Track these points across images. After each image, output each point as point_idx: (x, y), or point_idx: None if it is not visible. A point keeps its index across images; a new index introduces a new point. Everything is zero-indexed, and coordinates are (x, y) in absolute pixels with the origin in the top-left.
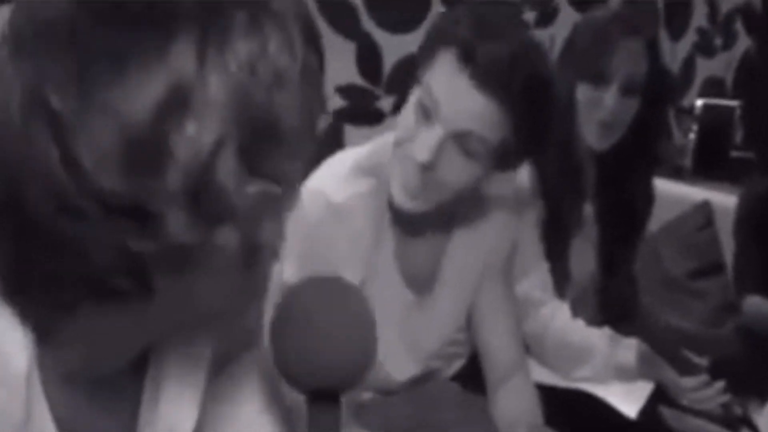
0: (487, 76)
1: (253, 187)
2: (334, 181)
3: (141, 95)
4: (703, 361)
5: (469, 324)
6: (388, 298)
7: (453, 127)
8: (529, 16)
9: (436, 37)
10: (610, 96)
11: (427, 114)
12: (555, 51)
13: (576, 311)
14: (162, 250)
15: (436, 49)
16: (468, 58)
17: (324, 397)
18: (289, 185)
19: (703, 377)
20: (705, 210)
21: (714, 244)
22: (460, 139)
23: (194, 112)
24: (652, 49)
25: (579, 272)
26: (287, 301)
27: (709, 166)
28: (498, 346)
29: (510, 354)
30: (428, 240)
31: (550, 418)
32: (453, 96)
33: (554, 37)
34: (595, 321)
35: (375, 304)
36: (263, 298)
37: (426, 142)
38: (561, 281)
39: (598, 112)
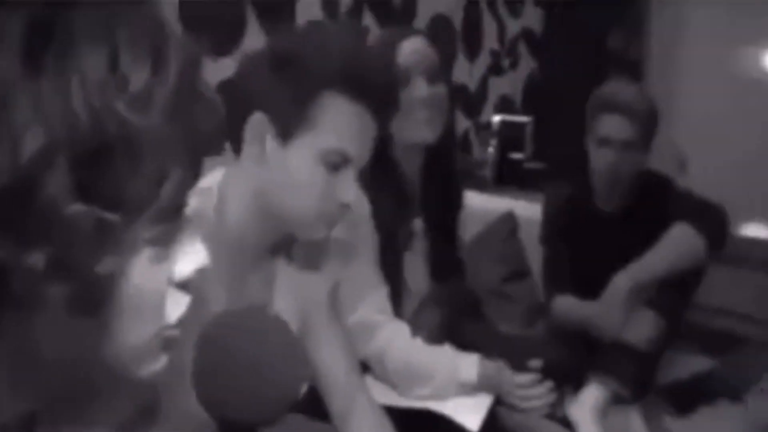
0: (378, 101)
1: (81, 211)
2: None
3: None
4: (537, 363)
5: None
6: None
7: (363, 160)
8: None
9: (312, 85)
10: (419, 87)
11: (337, 166)
12: None
13: (417, 323)
14: None
15: (315, 98)
16: (362, 92)
17: (239, 428)
18: (134, 215)
19: (536, 375)
20: (509, 219)
21: (519, 251)
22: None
23: (18, 115)
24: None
25: (414, 285)
26: (208, 333)
27: (508, 177)
28: (333, 375)
29: (348, 381)
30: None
31: None
32: (357, 134)
33: None
34: (437, 330)
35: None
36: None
37: (349, 185)
38: (398, 298)
39: (414, 107)
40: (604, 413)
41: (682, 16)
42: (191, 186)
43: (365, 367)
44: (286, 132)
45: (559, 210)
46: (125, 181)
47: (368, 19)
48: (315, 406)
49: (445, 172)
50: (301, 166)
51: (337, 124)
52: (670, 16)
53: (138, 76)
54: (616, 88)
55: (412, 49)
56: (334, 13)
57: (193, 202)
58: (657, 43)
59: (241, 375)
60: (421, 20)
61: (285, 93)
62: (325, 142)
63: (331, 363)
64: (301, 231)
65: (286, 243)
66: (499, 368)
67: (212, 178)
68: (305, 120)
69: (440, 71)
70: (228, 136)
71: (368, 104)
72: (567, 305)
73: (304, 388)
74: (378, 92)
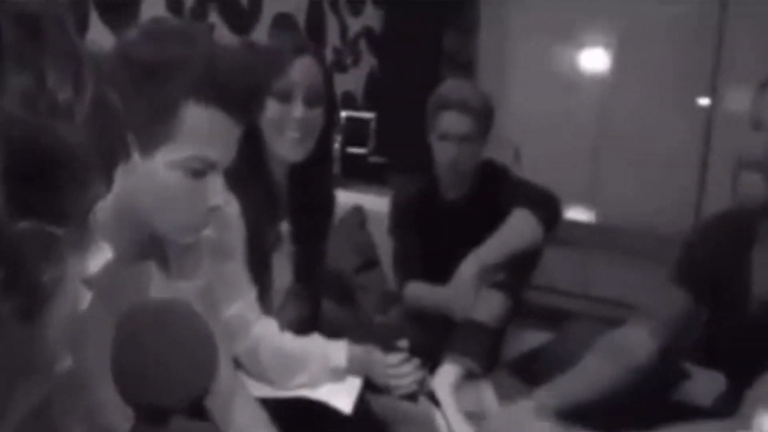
0: (237, 104)
1: (23, 225)
2: None
3: None
4: (405, 343)
5: None
6: None
7: (227, 160)
8: None
9: (170, 99)
10: (296, 109)
11: (200, 172)
12: None
13: (283, 318)
14: None
15: (175, 111)
16: (220, 97)
17: (153, 415)
18: (75, 226)
19: (405, 354)
20: (358, 212)
21: (369, 242)
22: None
23: None
24: (323, 62)
25: (280, 283)
26: (122, 323)
27: (352, 171)
28: None
29: (225, 378)
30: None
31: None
32: (218, 138)
33: None
34: (302, 324)
35: None
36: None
37: (215, 188)
38: (266, 295)
39: (289, 125)
40: (459, 388)
41: (509, 17)
42: (105, 195)
43: (237, 365)
44: (147, 146)
45: (407, 201)
46: (65, 195)
47: (214, 17)
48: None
49: (315, 182)
50: (166, 179)
51: (197, 132)
52: (497, 17)
53: (64, 94)
54: (453, 86)
55: (300, 68)
56: (179, 10)
57: None
58: (487, 43)
59: (153, 363)
60: (266, 18)
61: (143, 109)
62: (186, 152)
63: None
64: (171, 236)
65: (155, 246)
66: (368, 351)
67: None
68: (165, 133)
69: (321, 94)
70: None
71: (227, 108)
72: (418, 291)
73: (216, 374)
74: (236, 96)
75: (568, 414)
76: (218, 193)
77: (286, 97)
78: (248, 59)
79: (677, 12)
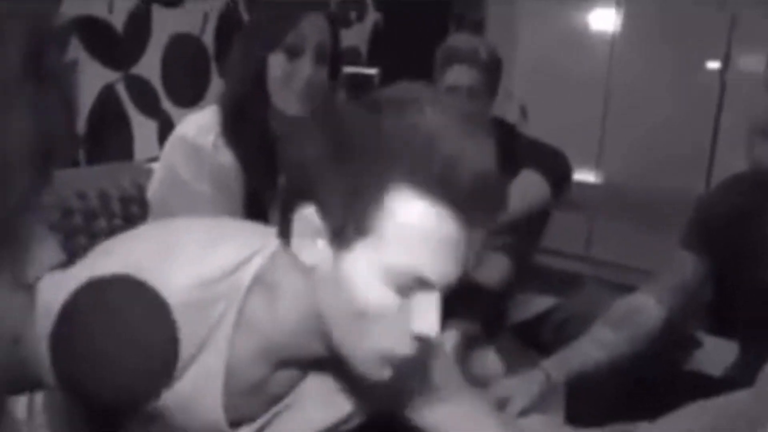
0: (469, 203)
1: None
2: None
3: None
4: None
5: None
6: None
7: (447, 285)
8: None
9: (376, 180)
10: (305, 66)
11: (406, 289)
12: None
13: None
14: None
15: (379, 195)
16: (446, 192)
17: (109, 411)
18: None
19: None
20: None
21: None
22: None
23: None
24: (332, 21)
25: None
26: (69, 305)
27: None
28: None
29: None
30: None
31: None
32: (436, 248)
33: None
34: None
35: None
36: None
37: (428, 312)
38: None
39: (296, 82)
40: (463, 352)
41: None
42: (35, 201)
43: None
44: (341, 238)
45: None
46: None
47: None
48: None
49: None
50: (363, 284)
51: (407, 232)
52: None
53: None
54: (460, 40)
55: (310, 24)
56: None
57: (212, 290)
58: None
59: (102, 351)
60: None
61: (343, 188)
62: (391, 257)
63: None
64: (359, 367)
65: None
66: None
67: (244, 247)
68: (366, 225)
69: (329, 51)
70: (282, 210)
71: (454, 207)
72: None
73: (174, 368)
74: (470, 193)
75: (577, 385)
76: (430, 319)
77: (295, 53)
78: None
79: None
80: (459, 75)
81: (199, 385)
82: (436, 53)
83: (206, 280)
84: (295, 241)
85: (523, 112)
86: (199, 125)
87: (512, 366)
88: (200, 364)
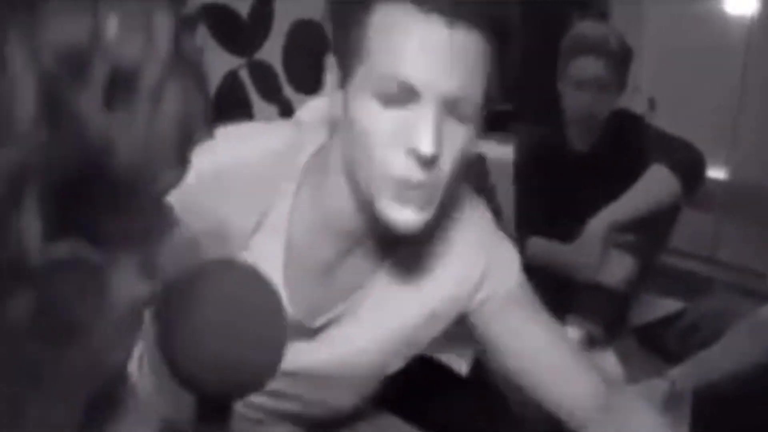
0: (463, 6)
1: (62, 249)
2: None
3: None
4: None
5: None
6: None
7: (443, 95)
8: None
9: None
10: None
11: (397, 101)
12: None
13: None
14: None
15: (367, 15)
16: None
17: (219, 400)
18: (112, 250)
19: None
20: (480, 161)
21: (494, 193)
22: (455, 108)
23: None
24: None
25: None
26: (185, 285)
27: None
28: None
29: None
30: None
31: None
32: (426, 55)
33: None
34: None
35: None
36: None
37: (422, 126)
38: None
39: None
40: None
41: None
42: (177, 184)
43: None
44: (346, 70)
45: (532, 151)
46: (111, 209)
47: None
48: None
49: None
50: (358, 109)
51: (391, 42)
52: None
53: (130, 49)
54: (589, 27)
55: None
56: None
57: (278, 157)
58: None
59: (213, 338)
60: None
61: (334, 15)
62: (376, 68)
63: (554, 370)
64: (380, 205)
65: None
66: None
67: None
68: (357, 48)
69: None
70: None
71: (446, 13)
72: (541, 247)
73: (285, 351)
74: None
75: (704, 397)
76: (425, 134)
77: None
78: None
79: None
80: (586, 66)
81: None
82: (560, 43)
83: (274, 152)
84: (328, 93)
85: (651, 103)
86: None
87: (632, 370)
88: (259, 243)
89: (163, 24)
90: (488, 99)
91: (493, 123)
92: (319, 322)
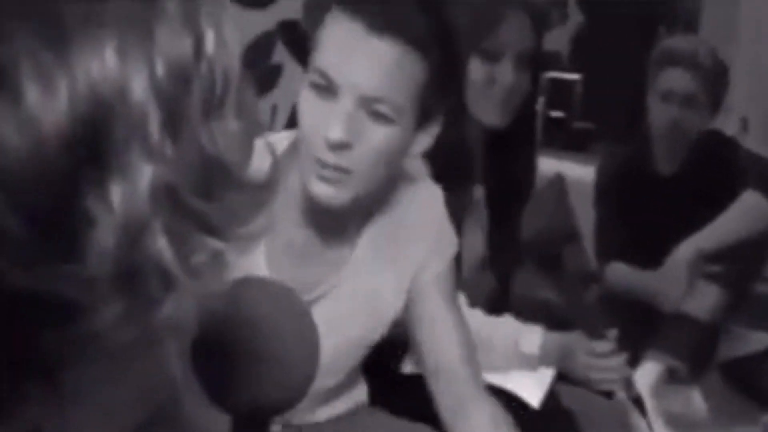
0: (387, 16)
1: (201, 255)
2: None
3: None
4: (613, 333)
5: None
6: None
7: (359, 92)
8: None
9: (317, 6)
10: (505, 71)
11: (325, 92)
12: None
13: (471, 293)
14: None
15: (319, 18)
16: (359, 5)
17: (254, 419)
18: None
19: (613, 344)
20: (559, 182)
21: (569, 214)
22: (371, 106)
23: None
24: (537, 21)
25: (469, 256)
26: (219, 306)
27: (555, 137)
28: (444, 363)
29: (462, 372)
30: (334, 236)
31: None
32: (352, 56)
33: None
34: (491, 299)
35: None
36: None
37: (334, 116)
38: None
39: (494, 89)
40: (663, 390)
41: None
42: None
43: None
44: (306, 62)
45: (614, 171)
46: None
47: None
48: (399, 400)
49: (515, 149)
50: (300, 98)
51: (330, 42)
52: None
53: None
54: (677, 41)
55: (511, 25)
56: None
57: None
58: None
59: (248, 356)
60: None
61: (307, 18)
62: (313, 60)
63: (448, 356)
64: (305, 180)
65: (361, 210)
66: (568, 337)
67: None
68: (314, 45)
69: (531, 55)
70: None
71: (370, 22)
72: (622, 273)
73: (318, 368)
74: (382, 8)
75: None
76: (335, 124)
77: (494, 57)
78: None
79: None
80: (674, 79)
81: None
82: (650, 56)
83: None
84: None
85: (744, 124)
86: None
87: (719, 410)
88: None
89: (235, 36)
90: (424, 109)
91: (573, 142)
92: (306, 298)
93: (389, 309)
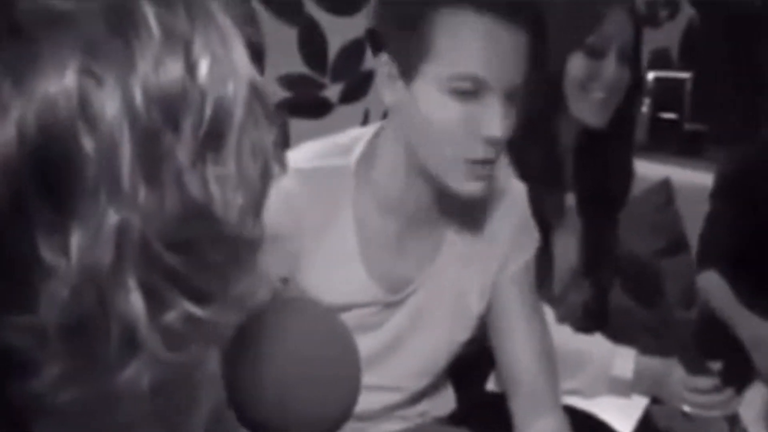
0: (512, 4)
1: (173, 314)
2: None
3: None
4: (718, 365)
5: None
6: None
7: (508, 85)
8: None
9: (427, 5)
10: (609, 67)
11: (471, 95)
12: None
13: (561, 308)
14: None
15: (431, 17)
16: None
17: None
18: (226, 307)
19: (716, 381)
20: (666, 188)
21: (677, 222)
22: (513, 95)
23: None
24: (636, 14)
25: (560, 268)
26: (253, 326)
27: (663, 139)
28: (520, 370)
29: (537, 380)
30: (424, 237)
31: None
32: (491, 52)
33: None
34: (583, 315)
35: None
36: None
37: (492, 115)
38: (543, 279)
39: (596, 85)
40: None
41: None
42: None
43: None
44: (407, 68)
45: (737, 170)
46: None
47: None
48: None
49: (613, 151)
50: (429, 102)
51: (461, 43)
52: None
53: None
54: None
55: (615, 20)
56: None
57: (330, 161)
58: None
59: (286, 380)
60: None
61: (396, 18)
62: (448, 68)
63: (520, 355)
64: (449, 181)
65: (450, 205)
66: (665, 365)
67: (359, 132)
68: (424, 48)
69: (632, 50)
70: None
71: (500, 14)
72: (714, 286)
73: (359, 394)
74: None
75: None
76: (495, 121)
77: (599, 53)
78: None
79: None
80: None
81: (335, 247)
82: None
83: (322, 153)
84: (378, 87)
85: None
86: None
87: None
88: (330, 236)
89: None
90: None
91: (684, 146)
92: (399, 295)
93: (475, 307)
